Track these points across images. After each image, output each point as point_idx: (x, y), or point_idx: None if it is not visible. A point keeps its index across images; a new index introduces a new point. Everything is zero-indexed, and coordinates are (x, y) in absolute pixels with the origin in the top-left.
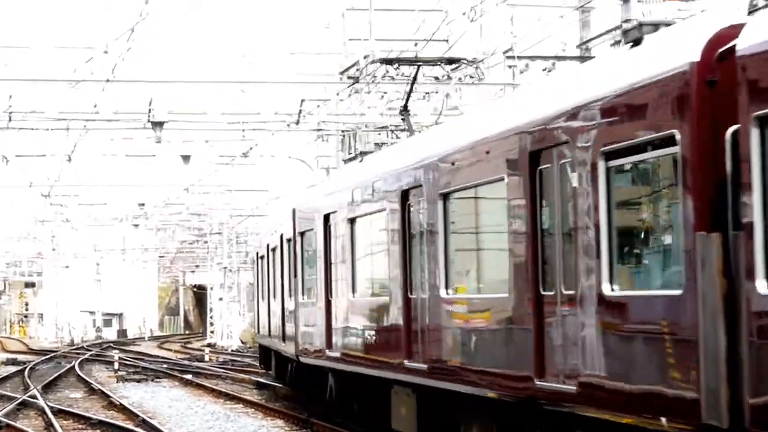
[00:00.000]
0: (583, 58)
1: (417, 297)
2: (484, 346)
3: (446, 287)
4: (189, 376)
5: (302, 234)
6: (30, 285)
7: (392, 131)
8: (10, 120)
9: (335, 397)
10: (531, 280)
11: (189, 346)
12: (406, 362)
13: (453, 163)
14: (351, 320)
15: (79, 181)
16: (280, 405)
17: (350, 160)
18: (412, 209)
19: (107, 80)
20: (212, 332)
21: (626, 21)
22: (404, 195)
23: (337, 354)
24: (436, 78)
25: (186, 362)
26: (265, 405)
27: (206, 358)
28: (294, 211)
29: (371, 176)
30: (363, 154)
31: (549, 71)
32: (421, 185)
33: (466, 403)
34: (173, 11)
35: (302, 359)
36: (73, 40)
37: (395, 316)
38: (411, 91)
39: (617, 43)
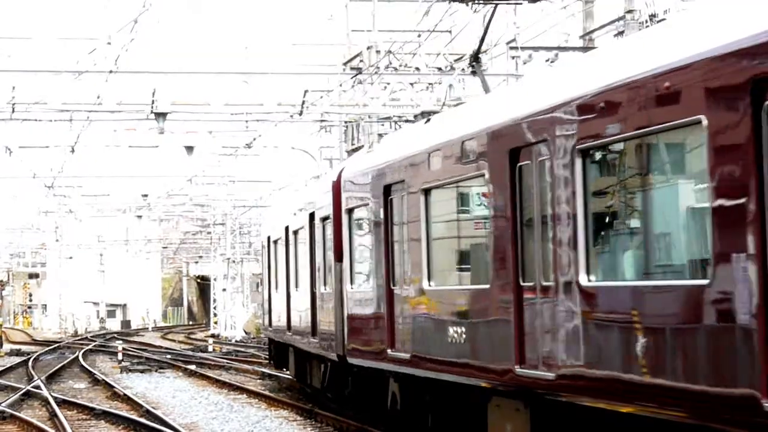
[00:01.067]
0: (586, 49)
1: (537, 285)
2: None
3: (587, 273)
4: (193, 367)
5: (351, 211)
6: (33, 276)
7: (395, 122)
8: (13, 111)
9: (400, 408)
10: None
11: (192, 336)
12: (517, 369)
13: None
14: (425, 314)
15: (82, 172)
16: (284, 395)
17: (353, 150)
18: (529, 173)
19: (110, 71)
20: (216, 323)
21: (629, 11)
22: (514, 154)
23: (404, 355)
24: (440, 69)
25: (190, 353)
26: (268, 395)
27: (210, 348)
28: (338, 185)
29: (459, 134)
30: (425, 114)
31: (552, 62)
32: (545, 140)
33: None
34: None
35: (351, 360)
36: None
37: (499, 311)
38: (484, 36)
39: (620, 33)
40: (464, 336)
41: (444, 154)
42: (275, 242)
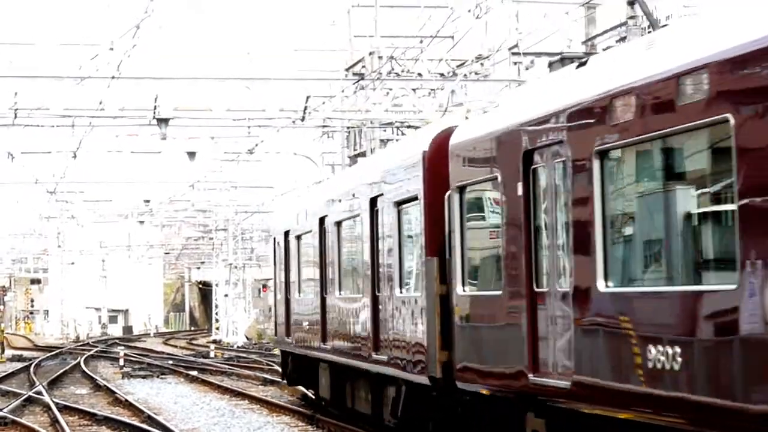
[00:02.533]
0: (588, 55)
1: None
2: None
3: None
4: (194, 373)
5: (462, 189)
6: (35, 281)
7: (398, 128)
8: (15, 117)
9: None
10: None
11: (194, 342)
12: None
13: None
14: (593, 326)
15: (84, 178)
16: (285, 401)
17: (356, 156)
18: None
19: (112, 77)
20: (217, 329)
21: (632, 17)
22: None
23: (558, 382)
24: (442, 74)
25: (191, 358)
26: (270, 401)
27: (211, 354)
28: (435, 157)
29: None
30: (578, 59)
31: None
32: None
33: None
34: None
35: (463, 385)
36: (79, 36)
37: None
38: None
39: (622, 39)
40: (694, 361)
41: (642, 96)
42: (298, 238)
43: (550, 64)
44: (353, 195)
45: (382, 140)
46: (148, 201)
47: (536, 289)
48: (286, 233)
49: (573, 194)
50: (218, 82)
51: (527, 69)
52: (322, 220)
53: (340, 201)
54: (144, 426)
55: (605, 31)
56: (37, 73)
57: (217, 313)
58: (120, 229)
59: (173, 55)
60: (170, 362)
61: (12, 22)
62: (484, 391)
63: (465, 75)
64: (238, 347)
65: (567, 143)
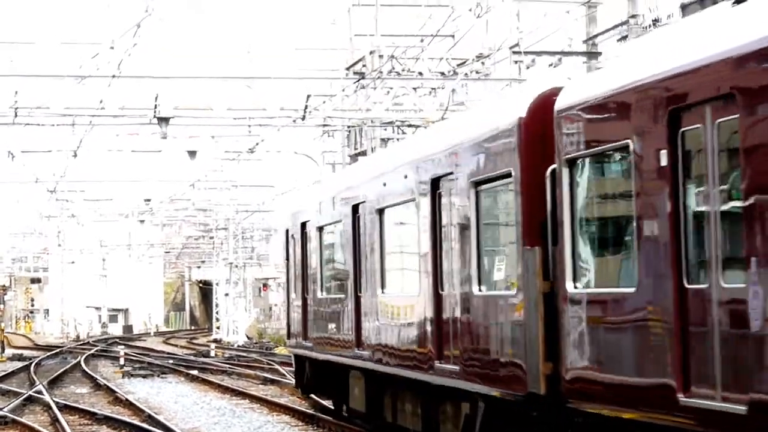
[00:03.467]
0: (589, 54)
1: None
2: None
3: None
4: (195, 372)
5: (573, 163)
6: (36, 281)
7: (398, 127)
8: (15, 116)
9: None
10: None
11: (195, 341)
12: None
13: None
14: None
15: (84, 177)
16: (286, 400)
17: (357, 155)
18: None
19: (113, 76)
20: (218, 328)
21: (633, 16)
22: None
23: (734, 407)
24: (443, 73)
25: (192, 358)
26: (271, 400)
27: (212, 353)
28: (536, 125)
29: None
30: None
31: (555, 66)
32: None
33: None
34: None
35: (581, 404)
36: (79, 35)
37: None
38: None
39: (624, 38)
40: None
41: None
42: (320, 229)
43: (684, 7)
44: (404, 176)
45: (382, 139)
46: (148, 200)
47: (687, 286)
48: (304, 225)
49: (749, 162)
50: (219, 81)
51: (528, 68)
52: (356, 208)
53: (384, 184)
54: (144, 425)
55: (606, 30)
56: (37, 71)
57: (217, 313)
58: (120, 228)
59: (174, 54)
60: (171, 361)
61: (12, 21)
62: (607, 412)
63: (466, 74)
64: (238, 346)
65: (739, 94)
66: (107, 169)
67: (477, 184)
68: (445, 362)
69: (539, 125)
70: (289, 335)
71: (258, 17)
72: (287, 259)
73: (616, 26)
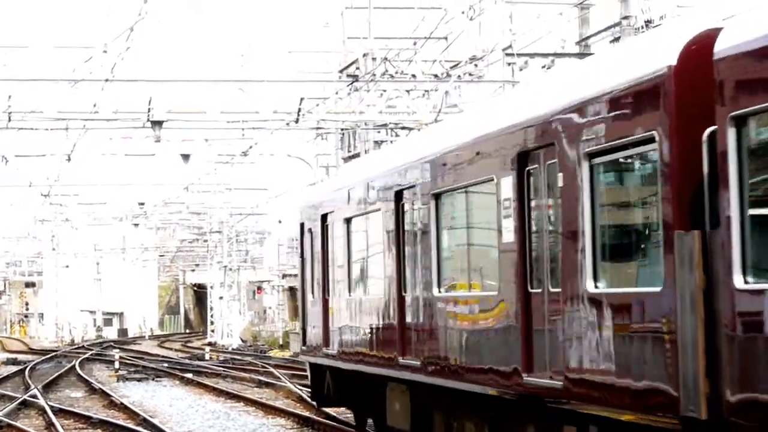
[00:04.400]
0: (582, 55)
1: None
2: None
3: None
4: (189, 375)
5: (743, 121)
6: (30, 285)
7: (392, 129)
8: (9, 120)
9: None
10: None
11: (189, 344)
12: None
13: None
14: None
15: (78, 181)
16: (281, 403)
17: (350, 158)
18: None
19: (106, 80)
20: (212, 331)
21: (625, 17)
22: None
23: None
24: (436, 76)
25: (186, 361)
26: (266, 403)
27: (207, 356)
28: (693, 73)
29: None
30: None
31: (548, 68)
32: None
33: None
34: (173, 10)
35: None
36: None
37: None
38: None
39: (617, 39)
40: None
41: None
42: (347, 221)
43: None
44: (477, 153)
45: (376, 141)
46: (142, 204)
47: None
48: (325, 217)
49: None
50: (212, 84)
51: (521, 70)
52: (399, 195)
53: (443, 164)
54: (140, 429)
55: (599, 31)
56: (31, 76)
57: (212, 316)
58: (114, 232)
59: (167, 57)
60: (165, 365)
61: (6, 25)
62: None
63: (459, 76)
64: (233, 349)
65: None
66: (101, 173)
67: (591, 155)
68: (535, 376)
69: (694, 75)
70: (304, 342)
71: (251, 20)
72: (302, 256)
73: (609, 27)
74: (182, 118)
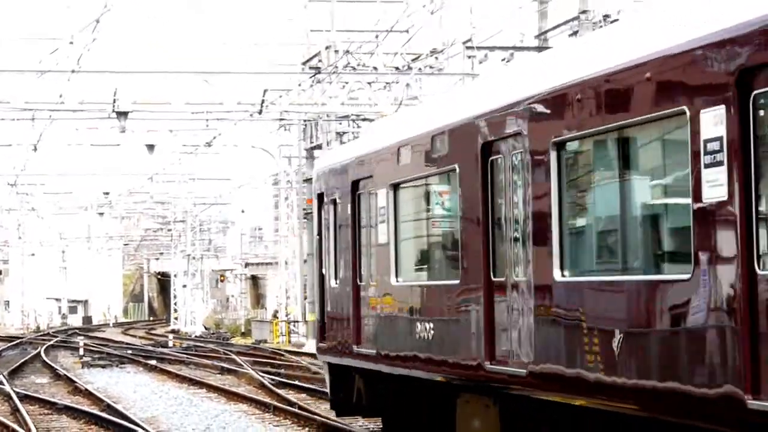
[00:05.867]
0: (540, 48)
1: None
2: None
3: None
4: (153, 362)
5: None
6: None
7: (353, 120)
8: None
9: None
10: None
11: (153, 332)
12: None
13: None
14: None
15: (44, 171)
16: (243, 390)
17: (312, 149)
18: None
19: (72, 71)
20: (176, 318)
21: (583, 12)
22: None
23: None
24: (397, 68)
25: (150, 348)
26: (228, 389)
27: (170, 344)
28: None
29: None
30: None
31: (507, 61)
32: None
33: None
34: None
35: None
36: (39, 31)
37: None
38: None
39: (575, 33)
40: None
41: None
42: (395, 187)
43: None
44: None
45: (338, 133)
46: (107, 193)
47: None
48: (356, 184)
49: None
50: (177, 76)
51: (481, 63)
52: (488, 148)
53: (569, 103)
54: (103, 415)
55: (557, 26)
56: None
57: (175, 304)
58: (80, 221)
59: (133, 49)
60: (129, 352)
61: None
62: None
63: (420, 69)
64: (196, 337)
65: None
66: (67, 163)
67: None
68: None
69: None
70: (322, 338)
71: (216, 13)
72: (319, 234)
73: (567, 22)
74: (147, 109)
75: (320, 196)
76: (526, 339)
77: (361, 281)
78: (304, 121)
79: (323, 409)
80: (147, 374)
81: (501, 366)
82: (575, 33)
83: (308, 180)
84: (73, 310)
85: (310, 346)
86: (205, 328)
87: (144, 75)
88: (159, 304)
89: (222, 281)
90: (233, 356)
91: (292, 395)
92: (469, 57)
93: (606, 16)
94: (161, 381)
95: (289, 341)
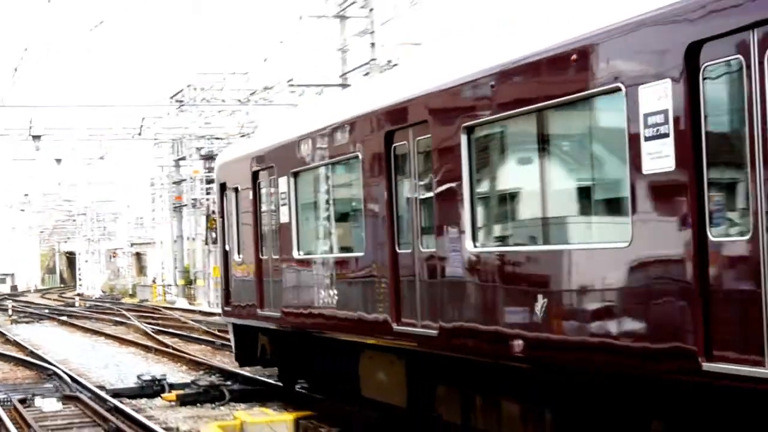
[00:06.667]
0: (343, 86)
1: None
2: None
3: None
4: (64, 318)
5: None
6: None
7: (208, 139)
8: None
9: None
10: None
11: (63, 296)
12: None
13: None
14: None
15: None
16: (132, 337)
17: (178, 160)
18: None
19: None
20: (80, 285)
21: (372, 59)
22: None
23: None
24: (239, 100)
25: (62, 308)
26: (120, 337)
27: (76, 304)
28: None
29: None
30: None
31: (319, 94)
32: None
33: None
34: (51, 53)
35: None
36: None
37: None
38: None
39: (367, 74)
40: None
41: None
42: (294, 174)
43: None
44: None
45: (197, 148)
46: (27, 194)
47: None
48: (256, 175)
49: None
50: (78, 108)
51: (300, 96)
52: (389, 138)
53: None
54: (28, 358)
55: (354, 69)
56: None
57: (80, 274)
58: (7, 214)
59: (46, 85)
60: (46, 311)
61: None
62: None
63: (256, 101)
64: (95, 298)
65: None
66: None
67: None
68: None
69: None
70: (227, 302)
71: (110, 56)
72: (221, 217)
73: (362, 65)
74: (56, 132)
75: (222, 185)
76: (436, 303)
77: (263, 255)
78: (173, 140)
79: (191, 349)
80: (60, 327)
81: (408, 327)
82: (367, 74)
83: (177, 182)
84: (2, 280)
85: (181, 303)
86: (102, 292)
87: (53, 108)
88: (68, 275)
89: (114, 257)
90: (124, 312)
91: (167, 340)
92: (292, 92)
93: (389, 61)
94: (71, 332)
95: (165, 300)
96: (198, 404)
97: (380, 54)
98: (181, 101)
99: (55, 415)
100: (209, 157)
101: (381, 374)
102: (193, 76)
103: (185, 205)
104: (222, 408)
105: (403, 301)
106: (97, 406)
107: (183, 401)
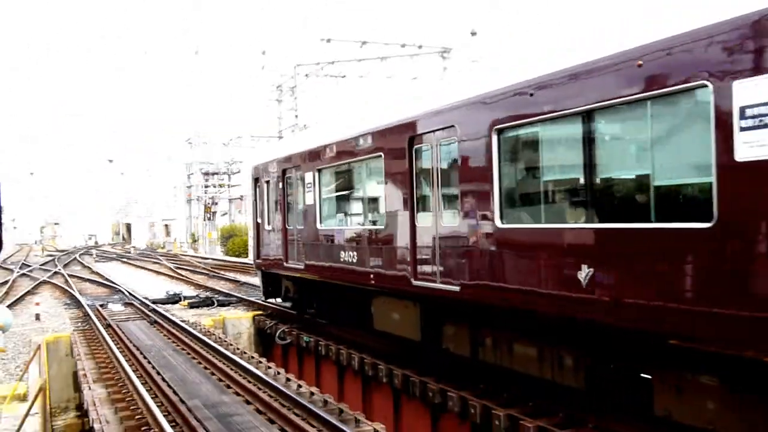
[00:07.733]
0: (279, 137)
1: None
2: None
3: None
4: (124, 260)
5: None
6: None
7: (206, 163)
8: None
9: None
10: None
11: (125, 247)
12: None
13: None
14: None
15: None
16: (162, 269)
17: (189, 175)
18: None
19: None
20: (134, 241)
21: (295, 123)
22: None
23: None
24: (224, 143)
25: (123, 254)
26: (156, 270)
27: (131, 252)
28: None
29: None
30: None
31: (268, 141)
32: None
33: None
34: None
35: None
36: None
37: None
38: None
39: (293, 131)
40: None
41: None
42: (318, 170)
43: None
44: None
45: (200, 168)
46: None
47: None
48: (284, 172)
49: None
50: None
51: (253, 147)
52: (411, 141)
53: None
54: (102, 281)
55: (284, 129)
56: None
57: (133, 236)
58: (95, 202)
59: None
60: (114, 255)
61: None
62: None
63: (233, 143)
64: (141, 249)
65: None
66: None
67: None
68: None
69: None
70: (258, 256)
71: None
72: (255, 201)
73: (290, 127)
74: (125, 156)
75: (256, 179)
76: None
77: (289, 226)
78: (186, 163)
79: (197, 278)
80: (122, 265)
81: (426, 282)
82: (293, 131)
83: (188, 186)
84: (90, 238)
85: (190, 252)
86: (146, 246)
87: (120, 141)
88: (127, 237)
89: (152, 226)
90: (158, 257)
91: (182, 272)
92: (252, 138)
93: (305, 125)
94: (128, 267)
95: (181, 250)
96: (199, 307)
97: (302, 119)
98: (190, 142)
99: (120, 313)
100: (207, 173)
101: (395, 314)
102: (197, 124)
103: (193, 199)
104: (212, 310)
105: (419, 262)
106: (143, 308)
107: (191, 305)
